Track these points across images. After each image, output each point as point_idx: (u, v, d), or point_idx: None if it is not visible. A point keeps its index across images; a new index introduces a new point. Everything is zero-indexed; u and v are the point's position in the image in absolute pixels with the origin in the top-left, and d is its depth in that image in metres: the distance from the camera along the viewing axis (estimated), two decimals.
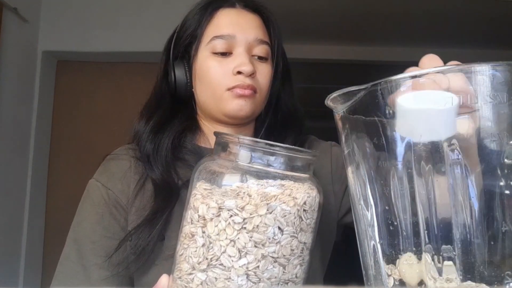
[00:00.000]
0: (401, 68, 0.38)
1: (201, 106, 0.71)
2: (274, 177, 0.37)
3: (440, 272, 0.32)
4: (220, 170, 0.37)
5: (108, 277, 0.62)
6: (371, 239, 0.37)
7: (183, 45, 0.71)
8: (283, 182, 0.37)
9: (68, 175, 2.27)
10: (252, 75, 0.65)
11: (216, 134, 0.41)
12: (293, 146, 0.39)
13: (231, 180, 0.36)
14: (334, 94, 0.37)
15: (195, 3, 0.72)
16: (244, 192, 0.35)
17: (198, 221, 0.37)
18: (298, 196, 0.36)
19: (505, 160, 0.31)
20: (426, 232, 0.33)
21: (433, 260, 0.33)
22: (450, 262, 0.32)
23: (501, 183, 0.31)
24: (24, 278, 2.10)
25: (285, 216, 0.35)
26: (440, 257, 0.32)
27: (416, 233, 0.34)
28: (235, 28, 0.66)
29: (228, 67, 0.65)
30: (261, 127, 0.73)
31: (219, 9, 0.69)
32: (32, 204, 2.18)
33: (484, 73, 0.31)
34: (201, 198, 0.37)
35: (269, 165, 0.37)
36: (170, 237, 0.62)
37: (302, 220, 0.37)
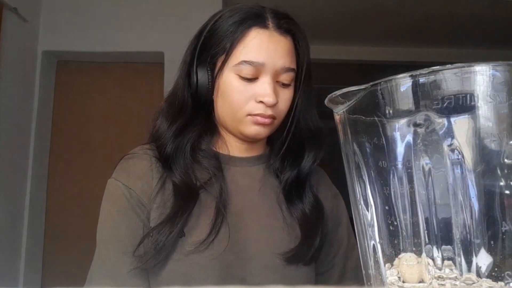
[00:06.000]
0: (401, 68, 0.38)
1: (219, 117, 0.73)
2: None
3: (440, 272, 0.32)
4: None
5: (130, 271, 0.64)
6: (371, 239, 0.37)
7: (210, 54, 0.70)
8: None
9: (68, 175, 2.27)
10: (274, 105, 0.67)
11: None
12: None
13: None
14: (334, 94, 0.37)
15: (228, 8, 0.71)
16: None
17: None
18: None
19: (505, 160, 0.31)
20: (426, 232, 0.33)
21: (433, 260, 0.33)
22: (450, 262, 0.32)
23: (501, 183, 0.31)
24: (24, 278, 2.10)
25: None
26: (440, 257, 0.33)
27: (416, 233, 0.34)
28: (264, 55, 0.66)
29: (252, 92, 0.67)
30: (275, 143, 0.76)
31: (252, 28, 0.67)
32: (32, 204, 2.17)
33: (484, 73, 0.31)
34: None
35: None
36: (190, 233, 0.66)
37: None
